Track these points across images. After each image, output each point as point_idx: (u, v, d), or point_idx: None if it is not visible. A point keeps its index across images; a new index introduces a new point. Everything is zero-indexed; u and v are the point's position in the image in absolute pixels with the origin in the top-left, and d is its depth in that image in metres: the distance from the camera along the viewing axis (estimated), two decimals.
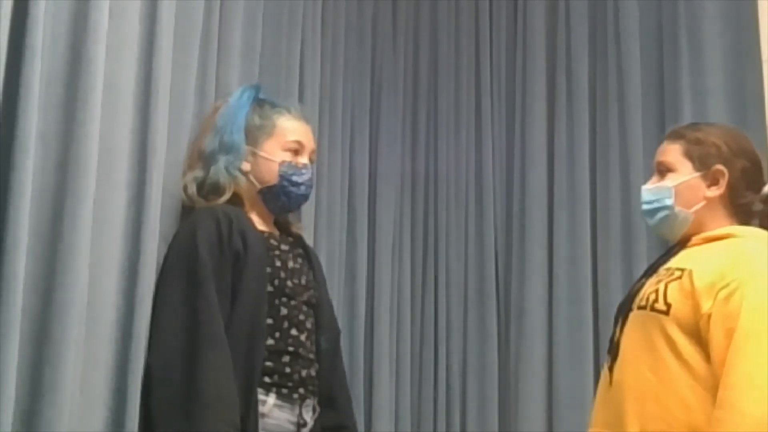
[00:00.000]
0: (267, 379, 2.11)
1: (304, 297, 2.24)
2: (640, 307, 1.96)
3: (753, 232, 2.00)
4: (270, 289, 2.16)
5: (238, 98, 2.30)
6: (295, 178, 2.26)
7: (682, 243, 2.05)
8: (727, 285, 1.85)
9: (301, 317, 2.22)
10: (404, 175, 3.24)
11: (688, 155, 2.05)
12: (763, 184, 2.06)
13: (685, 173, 2.04)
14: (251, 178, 2.26)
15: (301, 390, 2.17)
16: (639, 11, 3.06)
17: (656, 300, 1.92)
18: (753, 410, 1.74)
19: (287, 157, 2.27)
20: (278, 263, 2.21)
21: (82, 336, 1.80)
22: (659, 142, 2.17)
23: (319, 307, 2.29)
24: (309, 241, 2.64)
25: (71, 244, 1.76)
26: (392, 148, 3.21)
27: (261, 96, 2.34)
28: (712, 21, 2.90)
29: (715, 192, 2.02)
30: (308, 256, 2.36)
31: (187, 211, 2.23)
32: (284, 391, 2.14)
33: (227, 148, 2.22)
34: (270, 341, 2.14)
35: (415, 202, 3.25)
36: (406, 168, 3.25)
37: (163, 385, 1.98)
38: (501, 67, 3.33)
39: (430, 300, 3.18)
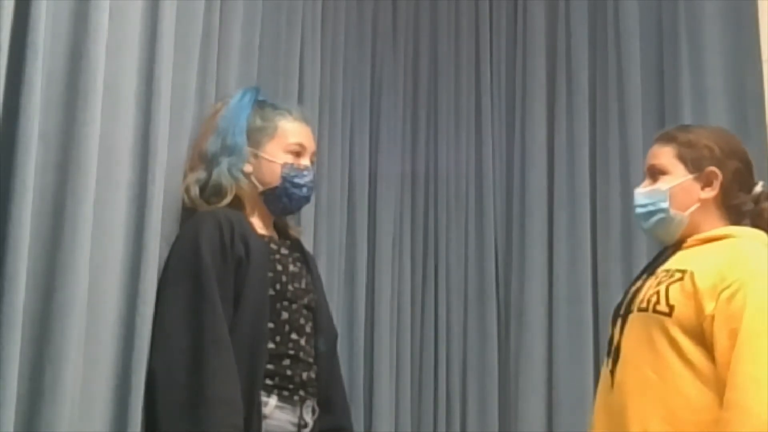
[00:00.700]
0: (268, 382, 2.12)
1: (305, 300, 2.25)
2: (640, 309, 1.96)
3: (749, 232, 2.01)
4: (271, 293, 2.16)
5: (239, 100, 2.30)
6: (297, 180, 2.27)
7: (677, 244, 2.06)
8: (729, 286, 1.86)
9: (302, 321, 2.22)
10: (404, 175, 3.23)
11: (681, 158, 2.06)
12: (754, 184, 2.08)
13: (678, 176, 2.05)
14: (253, 179, 2.26)
15: (302, 392, 2.17)
16: (639, 11, 3.07)
17: (658, 302, 1.92)
18: (760, 410, 1.74)
19: (289, 159, 2.27)
20: (279, 267, 2.21)
21: (83, 336, 1.80)
22: None
23: (317, 311, 2.29)
24: (309, 241, 2.64)
25: (72, 244, 1.75)
26: (392, 148, 3.21)
27: (261, 98, 2.35)
28: (712, 21, 2.90)
29: (709, 193, 2.04)
30: (306, 259, 2.36)
31: (187, 212, 2.23)
32: (285, 393, 2.14)
33: (230, 150, 2.22)
34: (271, 345, 2.14)
35: (415, 202, 3.25)
36: (406, 168, 3.25)
37: (168, 388, 1.98)
38: (501, 67, 3.33)
39: (430, 300, 3.18)
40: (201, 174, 2.22)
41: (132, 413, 1.92)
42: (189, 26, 2.25)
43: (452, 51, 3.36)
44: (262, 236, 2.23)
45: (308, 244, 2.60)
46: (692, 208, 2.04)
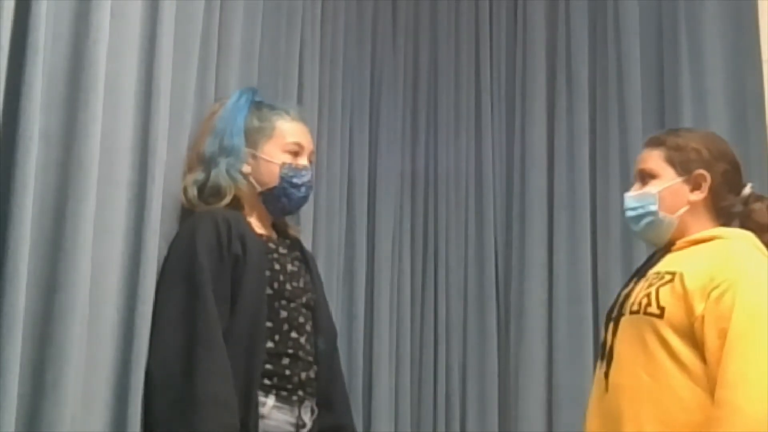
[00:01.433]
0: (267, 381, 2.11)
1: (303, 299, 2.25)
2: (632, 312, 1.98)
3: (737, 233, 2.03)
4: (269, 292, 2.16)
5: (235, 101, 2.30)
6: (295, 180, 2.27)
7: (667, 247, 2.08)
8: (718, 286, 1.88)
9: (301, 320, 2.22)
10: (404, 175, 3.24)
11: (670, 161, 2.08)
12: (743, 187, 2.10)
13: (667, 179, 2.08)
14: (252, 180, 2.26)
15: (300, 392, 2.17)
16: (639, 11, 3.07)
17: (649, 304, 1.95)
18: (750, 408, 1.76)
19: (287, 158, 2.27)
20: (277, 266, 2.21)
21: (85, 336, 1.80)
22: None
23: (317, 310, 2.29)
24: (308, 241, 2.64)
25: (73, 244, 1.76)
26: (392, 148, 3.21)
27: (258, 99, 2.35)
28: (712, 21, 2.91)
29: (698, 196, 2.06)
30: (305, 258, 2.36)
31: (186, 213, 2.23)
32: (284, 393, 2.14)
33: (227, 151, 2.23)
34: (270, 344, 2.14)
35: (415, 202, 3.25)
36: (406, 168, 3.25)
37: (162, 389, 1.98)
38: (501, 67, 3.33)
39: (430, 300, 3.18)
40: (199, 175, 2.22)
41: (131, 413, 1.92)
42: (189, 26, 2.25)
43: (452, 51, 3.36)
44: (261, 236, 2.23)
45: (307, 244, 2.60)
46: (681, 211, 2.06)
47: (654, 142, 2.14)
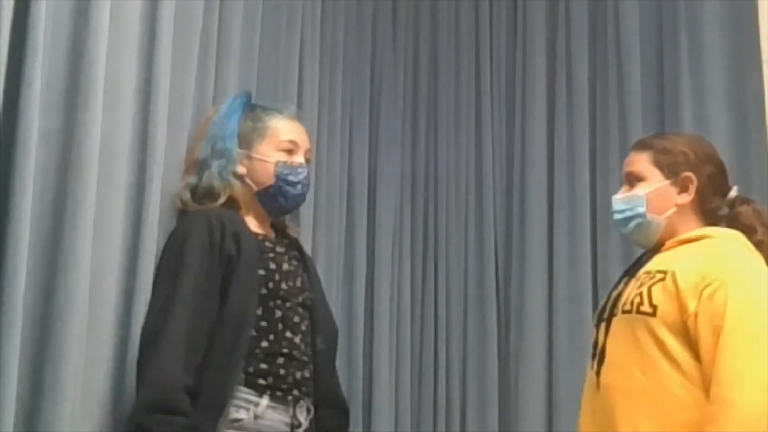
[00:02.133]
0: (261, 381, 2.11)
1: (299, 299, 2.25)
2: (624, 312, 2.00)
3: (727, 232, 2.06)
4: (264, 291, 2.16)
5: (229, 105, 2.31)
6: (291, 178, 2.27)
7: (656, 248, 2.10)
8: (710, 284, 1.90)
9: (296, 319, 2.22)
10: (404, 175, 3.24)
11: (657, 164, 2.11)
12: (729, 189, 2.13)
13: (655, 181, 2.10)
14: (247, 180, 2.26)
15: (296, 392, 2.17)
16: (639, 11, 3.07)
17: (641, 303, 1.96)
18: (745, 403, 1.78)
19: (282, 157, 2.27)
20: (273, 266, 2.21)
21: (84, 336, 1.80)
22: None
23: (315, 309, 2.29)
24: (308, 241, 2.65)
25: (72, 244, 1.76)
26: (392, 148, 3.21)
27: (252, 102, 2.36)
28: (712, 21, 2.90)
29: (685, 198, 2.08)
30: (303, 258, 2.36)
31: (182, 214, 2.23)
32: (279, 393, 2.14)
33: (219, 154, 2.23)
34: (265, 343, 2.14)
35: (415, 202, 3.25)
36: (406, 168, 3.25)
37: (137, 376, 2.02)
38: (501, 67, 3.33)
39: (430, 300, 3.18)
40: (192, 179, 2.23)
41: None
42: (188, 26, 2.26)
43: (452, 51, 3.36)
44: (257, 235, 2.24)
45: (307, 244, 2.60)
46: (669, 212, 2.08)
47: (641, 146, 2.17)
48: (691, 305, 1.89)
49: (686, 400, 1.87)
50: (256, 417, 2.08)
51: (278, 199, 2.28)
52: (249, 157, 2.27)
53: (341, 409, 2.35)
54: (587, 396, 2.05)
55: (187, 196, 2.22)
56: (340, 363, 2.47)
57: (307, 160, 2.33)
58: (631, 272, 2.10)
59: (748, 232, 2.05)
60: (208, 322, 2.05)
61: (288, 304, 2.20)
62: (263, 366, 2.12)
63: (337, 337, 2.41)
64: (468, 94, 3.33)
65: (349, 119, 3.08)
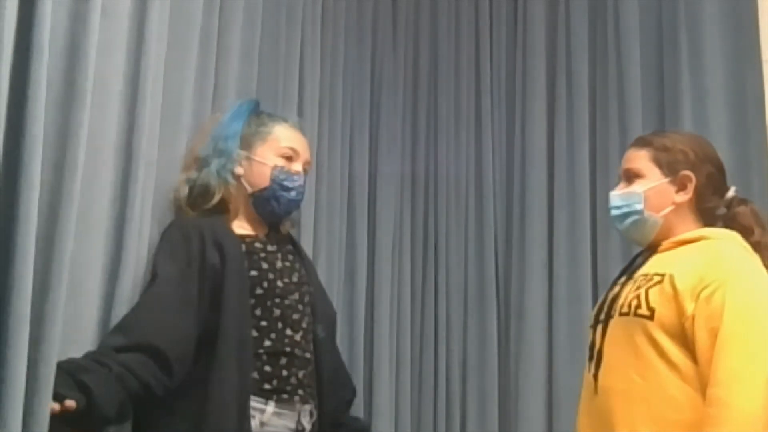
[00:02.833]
0: (267, 386, 2.13)
1: (296, 295, 2.25)
2: (622, 314, 1.99)
3: (724, 233, 2.05)
4: (260, 291, 2.18)
5: (237, 108, 2.34)
6: (286, 183, 2.28)
7: (652, 248, 2.10)
8: (708, 286, 1.90)
9: (296, 316, 2.23)
10: (404, 175, 3.24)
11: (656, 161, 2.10)
12: (727, 189, 2.13)
13: (653, 179, 2.09)
14: (244, 181, 2.28)
15: (300, 391, 2.18)
16: (639, 11, 3.06)
17: (639, 305, 1.96)
18: (742, 405, 1.78)
19: (280, 162, 2.30)
20: (265, 265, 2.22)
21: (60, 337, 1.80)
22: None
23: (314, 300, 2.31)
24: (309, 241, 2.65)
25: (65, 245, 1.76)
26: (392, 148, 3.21)
27: (260, 109, 2.38)
28: (712, 21, 2.90)
29: (683, 197, 2.08)
30: (298, 251, 2.37)
31: (176, 214, 2.24)
32: (284, 396, 2.14)
33: (220, 153, 2.26)
34: (267, 343, 2.15)
35: (415, 202, 3.25)
36: (406, 168, 3.25)
37: None
38: (501, 67, 3.33)
39: (430, 300, 3.18)
40: (192, 174, 2.25)
41: None
42: (186, 26, 2.26)
43: (452, 51, 3.36)
44: (244, 237, 2.24)
45: (308, 245, 2.61)
46: (666, 210, 2.08)
47: (641, 143, 2.16)
48: (689, 308, 1.89)
49: (684, 403, 1.87)
50: (262, 424, 2.10)
51: (271, 203, 2.29)
52: (248, 159, 2.29)
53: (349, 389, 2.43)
54: (585, 398, 2.05)
55: (185, 192, 2.23)
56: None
57: (306, 171, 2.34)
58: (627, 273, 2.10)
59: (746, 232, 2.05)
60: (186, 317, 2.04)
61: (286, 302, 2.21)
62: (267, 368, 2.13)
63: (335, 323, 2.43)
64: (468, 94, 3.33)
65: (349, 119, 3.08)
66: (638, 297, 1.96)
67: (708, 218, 2.09)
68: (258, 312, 2.16)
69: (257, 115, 2.35)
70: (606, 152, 3.05)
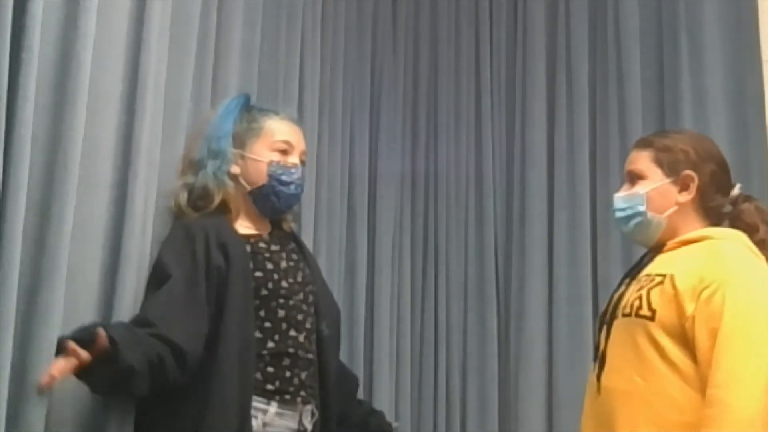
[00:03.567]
0: (269, 387, 2.12)
1: (300, 295, 2.25)
2: (624, 315, 1.99)
3: (727, 233, 2.04)
4: (264, 292, 2.17)
5: (226, 106, 2.31)
6: (284, 178, 2.26)
7: (657, 248, 2.09)
8: (708, 286, 1.88)
9: (300, 317, 2.22)
10: (404, 175, 3.24)
11: (658, 162, 2.09)
12: (732, 187, 2.11)
13: (656, 180, 2.08)
14: (241, 180, 2.26)
15: (302, 393, 2.17)
16: (639, 11, 3.07)
17: (640, 306, 1.95)
18: (741, 406, 1.77)
19: (275, 157, 2.27)
20: (270, 265, 2.21)
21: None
22: None
23: (318, 299, 2.30)
24: (309, 241, 2.65)
25: (57, 246, 1.75)
26: (392, 148, 3.21)
27: (251, 104, 2.36)
28: (712, 21, 2.90)
29: (686, 197, 2.06)
30: (301, 249, 2.37)
31: (177, 218, 2.24)
32: (287, 396, 2.14)
33: (214, 154, 2.24)
34: (270, 344, 2.14)
35: (415, 202, 3.25)
36: (406, 168, 3.25)
37: None
38: (501, 67, 3.33)
39: (430, 300, 3.19)
40: (189, 179, 2.24)
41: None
42: (185, 27, 2.26)
43: (452, 51, 3.36)
44: (248, 237, 2.23)
45: (308, 244, 2.60)
46: (669, 211, 2.06)
47: (642, 144, 2.15)
48: (689, 308, 1.88)
49: (684, 403, 1.87)
50: (264, 425, 2.09)
51: (271, 199, 2.27)
52: (243, 157, 2.27)
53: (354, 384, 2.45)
54: (588, 399, 2.05)
55: (184, 196, 2.22)
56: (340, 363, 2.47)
57: (302, 162, 2.33)
58: (632, 273, 2.10)
59: (751, 230, 2.03)
60: (198, 317, 2.05)
61: (291, 302, 2.21)
62: (270, 369, 2.13)
63: (339, 320, 2.42)
64: (468, 94, 3.33)
65: (349, 119, 3.08)
66: (640, 298, 1.96)
67: (713, 217, 2.08)
68: (262, 313, 2.16)
69: (248, 110, 2.32)
70: (606, 152, 3.05)
